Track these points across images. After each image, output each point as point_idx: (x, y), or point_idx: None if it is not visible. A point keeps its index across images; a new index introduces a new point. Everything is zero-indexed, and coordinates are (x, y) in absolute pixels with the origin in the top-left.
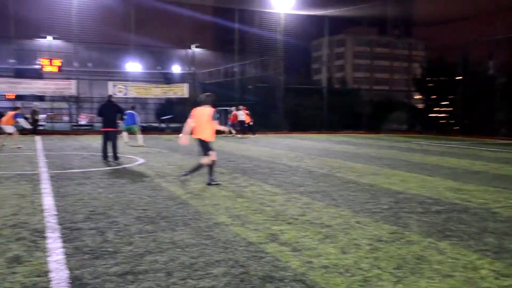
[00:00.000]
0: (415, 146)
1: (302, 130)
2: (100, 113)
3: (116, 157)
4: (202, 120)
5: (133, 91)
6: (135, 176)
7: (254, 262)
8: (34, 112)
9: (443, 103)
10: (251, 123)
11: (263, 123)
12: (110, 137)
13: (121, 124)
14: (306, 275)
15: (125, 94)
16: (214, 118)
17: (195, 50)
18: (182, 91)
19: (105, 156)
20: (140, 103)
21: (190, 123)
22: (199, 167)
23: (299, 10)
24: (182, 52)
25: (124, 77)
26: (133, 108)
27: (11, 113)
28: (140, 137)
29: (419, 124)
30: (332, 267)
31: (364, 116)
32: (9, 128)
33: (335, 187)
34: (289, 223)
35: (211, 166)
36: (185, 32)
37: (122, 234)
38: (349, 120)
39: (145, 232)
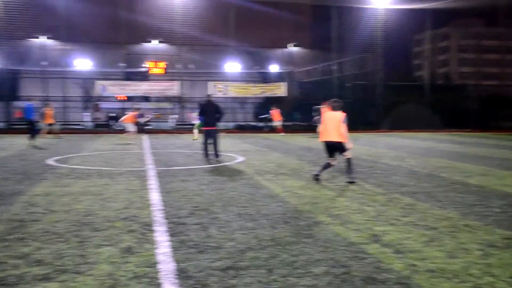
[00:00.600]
0: None
1: (402, 129)
2: (201, 113)
3: (217, 155)
4: (333, 123)
5: (232, 91)
6: (235, 173)
7: (356, 262)
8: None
9: None
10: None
11: (361, 121)
12: (211, 135)
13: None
14: (411, 278)
15: (224, 94)
16: (345, 122)
17: (293, 49)
18: (280, 90)
19: (206, 154)
20: (238, 102)
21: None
22: (350, 164)
23: (399, 4)
24: (280, 51)
25: (223, 77)
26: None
27: (133, 113)
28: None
29: None
30: (438, 271)
31: (471, 113)
32: (131, 127)
33: (440, 188)
34: (391, 224)
35: (328, 166)
36: (283, 31)
37: (224, 230)
38: (453, 117)
39: (246, 229)
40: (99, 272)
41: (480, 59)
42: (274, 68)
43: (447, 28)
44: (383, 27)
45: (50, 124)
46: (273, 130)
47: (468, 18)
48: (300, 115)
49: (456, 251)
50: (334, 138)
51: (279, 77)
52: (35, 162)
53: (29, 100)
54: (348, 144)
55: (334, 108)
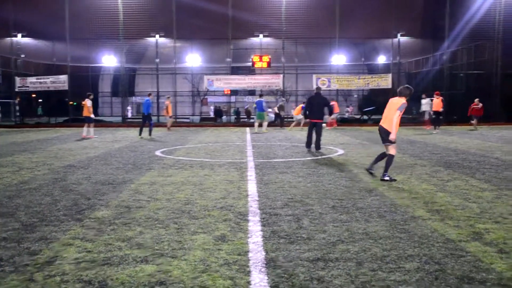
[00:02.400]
0: None
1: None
2: (308, 105)
3: (318, 147)
4: (391, 110)
5: (336, 83)
6: (334, 166)
7: (452, 260)
8: (281, 107)
9: None
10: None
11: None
12: (316, 128)
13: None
14: None
15: (328, 87)
16: (400, 109)
17: (401, 39)
18: (386, 81)
19: (308, 145)
20: (343, 95)
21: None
22: (390, 160)
23: None
24: (387, 41)
25: (328, 70)
26: (260, 95)
27: (300, 105)
28: (265, 124)
29: None
30: None
31: None
32: (298, 117)
33: None
34: (496, 222)
35: (381, 158)
36: (391, 20)
37: (316, 222)
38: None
39: (339, 222)
40: (192, 257)
41: None
42: (381, 59)
43: None
44: (502, 11)
45: (170, 117)
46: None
47: None
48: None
49: None
50: (386, 125)
51: (386, 69)
52: (144, 153)
53: (149, 95)
54: (392, 135)
55: (400, 94)
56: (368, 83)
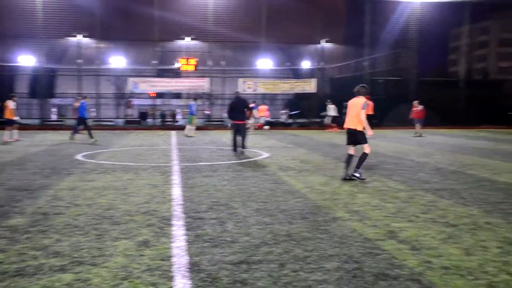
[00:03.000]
0: None
1: (436, 125)
2: (230, 107)
3: (244, 146)
4: (355, 110)
5: (261, 87)
6: (259, 169)
7: (369, 258)
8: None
9: None
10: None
11: (393, 117)
12: (239, 129)
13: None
14: (423, 275)
15: (254, 90)
16: (364, 108)
17: (325, 45)
18: (310, 86)
19: (235, 147)
20: (269, 99)
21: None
22: (364, 157)
23: None
24: (312, 47)
25: (254, 74)
26: (195, 99)
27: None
28: (192, 128)
29: None
30: (453, 268)
31: (509, 110)
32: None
33: (466, 185)
34: (410, 221)
35: (350, 158)
36: (315, 27)
37: (241, 225)
38: (490, 114)
39: (263, 224)
40: (114, 264)
41: None
42: (305, 64)
43: (487, 21)
44: (418, 21)
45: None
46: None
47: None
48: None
49: (473, 249)
50: (354, 125)
51: (310, 74)
52: (64, 158)
53: (85, 98)
54: (368, 131)
55: (358, 94)
56: (293, 88)
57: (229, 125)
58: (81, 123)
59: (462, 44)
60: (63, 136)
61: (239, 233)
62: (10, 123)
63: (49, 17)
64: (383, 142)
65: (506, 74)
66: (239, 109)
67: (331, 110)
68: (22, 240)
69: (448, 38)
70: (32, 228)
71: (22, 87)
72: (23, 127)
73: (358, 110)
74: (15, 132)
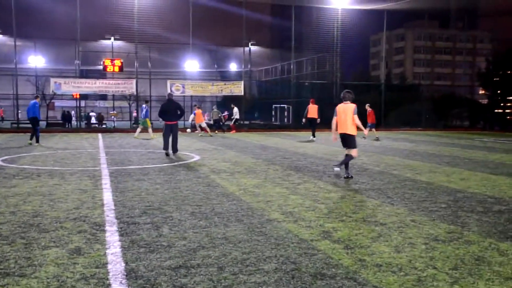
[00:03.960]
0: (478, 143)
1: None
2: (163, 110)
3: (176, 150)
4: (346, 115)
5: (190, 89)
6: (191, 172)
7: (306, 259)
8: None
9: (510, 98)
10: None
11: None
12: (172, 130)
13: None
14: (359, 273)
15: (182, 93)
16: (355, 113)
17: (252, 48)
18: (238, 88)
19: (166, 148)
20: (197, 101)
21: (334, 120)
22: (349, 159)
23: (357, 5)
24: (239, 50)
25: (182, 76)
26: (146, 102)
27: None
28: (150, 131)
29: (482, 121)
30: (385, 265)
31: (424, 113)
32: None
33: (391, 185)
34: (342, 221)
35: (349, 158)
36: (242, 30)
37: (176, 229)
38: (408, 116)
39: (199, 228)
40: (45, 274)
41: (433, 60)
42: (233, 66)
43: (403, 28)
44: (341, 27)
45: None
46: (228, 130)
47: (422, 19)
48: (258, 113)
49: (402, 246)
50: (347, 130)
51: (238, 76)
52: None
53: (37, 97)
54: (365, 131)
55: (345, 99)
56: (222, 90)
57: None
58: (35, 124)
59: (381, 50)
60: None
61: (175, 237)
62: None
63: None
64: (312, 145)
65: (420, 79)
66: (173, 111)
67: (237, 113)
68: None
69: (368, 44)
70: None
71: None
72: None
73: (349, 115)
74: None
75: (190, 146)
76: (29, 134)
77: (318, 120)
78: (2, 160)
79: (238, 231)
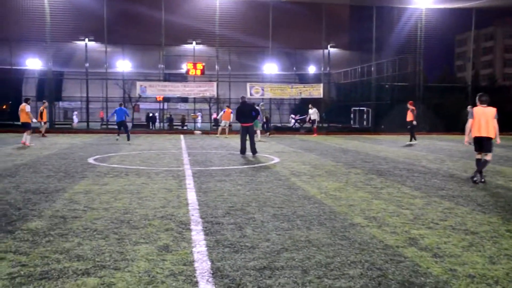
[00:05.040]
0: None
1: (443, 131)
2: (238, 112)
3: (255, 151)
4: (488, 118)
5: (269, 92)
6: (271, 174)
7: (392, 265)
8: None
9: None
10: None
11: (399, 123)
12: (249, 131)
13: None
14: (449, 284)
15: (261, 95)
16: (496, 117)
17: (331, 50)
18: (317, 91)
19: (243, 151)
20: (275, 103)
21: (470, 123)
22: (485, 164)
23: (442, 4)
24: (318, 52)
25: (261, 79)
26: (257, 104)
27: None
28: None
29: None
30: (479, 277)
31: None
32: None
33: (481, 192)
34: (429, 228)
35: (484, 163)
36: (321, 32)
37: (259, 230)
38: (498, 120)
39: (282, 230)
40: (136, 268)
41: None
42: (311, 69)
43: (492, 27)
44: (425, 27)
45: (44, 123)
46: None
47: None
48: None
49: (498, 257)
50: (487, 133)
51: (317, 79)
52: (76, 161)
53: (121, 104)
54: (497, 139)
55: (482, 103)
56: (301, 92)
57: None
58: (122, 127)
59: (468, 50)
60: (73, 139)
61: (258, 238)
62: (27, 127)
63: (57, 21)
64: (392, 148)
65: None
66: (247, 113)
67: (313, 114)
68: (44, 243)
69: (454, 44)
70: (52, 231)
71: (30, 90)
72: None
73: (490, 119)
74: (29, 137)
75: (269, 148)
76: (122, 134)
77: (414, 122)
78: (94, 159)
79: (321, 235)
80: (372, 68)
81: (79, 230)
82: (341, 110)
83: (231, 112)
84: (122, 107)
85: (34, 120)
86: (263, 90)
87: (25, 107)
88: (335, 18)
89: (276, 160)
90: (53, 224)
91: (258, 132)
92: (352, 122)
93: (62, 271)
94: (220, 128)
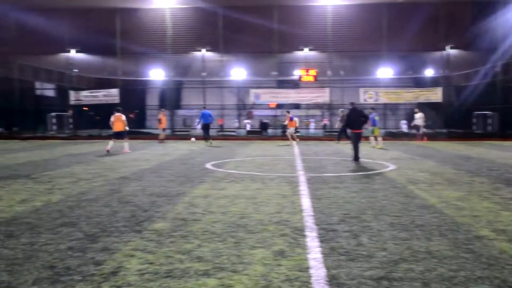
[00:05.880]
0: None
1: None
2: (349, 119)
3: (357, 158)
4: None
5: (384, 97)
6: (387, 182)
7: None
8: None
9: None
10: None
11: None
12: (359, 138)
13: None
14: None
15: (375, 100)
16: None
17: (450, 52)
18: (436, 95)
19: (357, 157)
20: (390, 109)
21: None
22: None
23: None
24: (435, 54)
25: (374, 83)
26: (373, 109)
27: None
28: (380, 140)
29: None
30: None
31: None
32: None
33: None
34: None
35: None
36: (439, 33)
37: (376, 239)
38: None
39: (399, 239)
40: (253, 272)
41: None
42: (428, 72)
43: None
44: None
45: (163, 129)
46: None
47: None
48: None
49: None
50: None
51: (434, 82)
52: (195, 166)
53: (204, 108)
54: None
55: None
56: (418, 97)
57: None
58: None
59: None
60: (191, 145)
61: (375, 247)
62: (122, 135)
63: (177, 33)
64: None
65: None
66: (356, 119)
67: (419, 119)
68: (167, 243)
69: None
70: (175, 232)
71: (152, 99)
72: (153, 137)
73: None
74: (126, 144)
75: (384, 155)
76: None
77: None
78: (211, 165)
79: (442, 246)
80: (498, 69)
81: (198, 232)
82: (462, 115)
83: (291, 118)
84: (206, 110)
85: (127, 128)
86: (377, 95)
87: (121, 116)
88: (454, 17)
89: (392, 167)
90: (176, 226)
91: (372, 139)
92: (474, 127)
93: (184, 271)
94: (290, 135)
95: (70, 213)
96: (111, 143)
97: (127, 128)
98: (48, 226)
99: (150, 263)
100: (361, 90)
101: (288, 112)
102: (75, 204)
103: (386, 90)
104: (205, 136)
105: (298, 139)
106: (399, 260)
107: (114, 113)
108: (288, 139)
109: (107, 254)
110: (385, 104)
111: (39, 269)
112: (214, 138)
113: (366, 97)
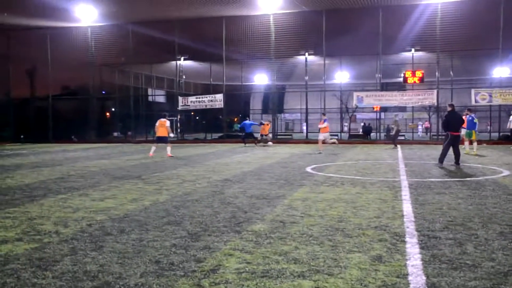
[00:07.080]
0: None
1: None
2: (448, 121)
3: (458, 162)
4: None
5: (498, 98)
6: (499, 188)
7: None
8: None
9: None
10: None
11: None
12: (456, 141)
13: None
14: None
15: (489, 102)
16: None
17: None
18: None
19: (442, 159)
20: (505, 110)
21: None
22: None
23: None
24: None
25: (487, 83)
26: (469, 110)
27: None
28: (475, 145)
29: None
30: None
31: None
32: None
33: None
34: None
35: None
36: None
37: (482, 248)
38: None
39: (510, 250)
40: (349, 276)
41: None
42: None
43: None
44: None
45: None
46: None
47: None
48: None
49: None
50: None
51: None
52: (295, 169)
53: (247, 118)
54: None
55: None
56: None
57: None
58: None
59: None
60: (292, 149)
61: (481, 257)
62: (164, 141)
63: (280, 38)
64: None
65: None
66: (456, 121)
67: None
68: (265, 244)
69: None
70: (273, 234)
71: (256, 103)
72: (255, 141)
73: None
74: (169, 148)
75: (498, 160)
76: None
77: None
78: (312, 168)
79: None
80: None
81: (296, 234)
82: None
83: (324, 121)
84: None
85: (172, 135)
86: (490, 96)
87: (166, 122)
88: None
89: (506, 172)
90: (274, 227)
91: (467, 143)
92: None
93: (280, 272)
94: (331, 141)
95: (175, 212)
96: (153, 148)
97: (171, 135)
98: (155, 224)
99: (248, 263)
100: (473, 91)
101: (324, 114)
102: (180, 204)
103: (501, 91)
104: (243, 139)
105: (337, 142)
106: (509, 272)
107: (160, 119)
108: (392, 143)
109: (208, 252)
110: (499, 105)
111: (146, 263)
112: (315, 142)
113: (478, 98)
